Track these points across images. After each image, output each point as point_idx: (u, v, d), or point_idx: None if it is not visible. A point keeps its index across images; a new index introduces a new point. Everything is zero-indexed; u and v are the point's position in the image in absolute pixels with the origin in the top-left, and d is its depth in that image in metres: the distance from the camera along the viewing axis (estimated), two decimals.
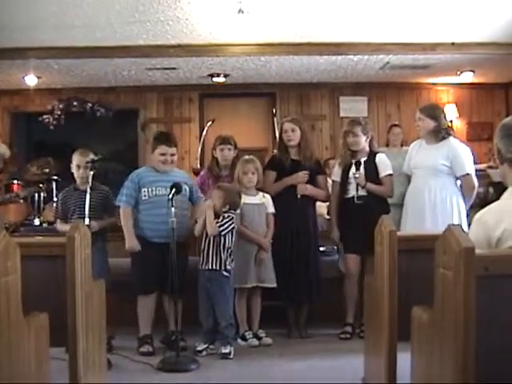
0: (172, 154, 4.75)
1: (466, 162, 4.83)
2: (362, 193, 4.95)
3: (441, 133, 4.89)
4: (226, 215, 4.58)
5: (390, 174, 5.02)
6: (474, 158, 5.03)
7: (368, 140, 5.07)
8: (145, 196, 4.69)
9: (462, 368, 2.06)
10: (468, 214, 4.84)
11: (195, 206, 4.89)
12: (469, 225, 4.62)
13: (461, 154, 4.84)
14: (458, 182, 4.89)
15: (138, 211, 4.73)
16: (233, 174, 5.02)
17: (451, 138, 4.94)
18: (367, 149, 5.08)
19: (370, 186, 4.95)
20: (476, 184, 4.85)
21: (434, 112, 4.94)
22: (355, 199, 4.95)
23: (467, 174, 4.81)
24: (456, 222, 4.64)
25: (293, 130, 5.09)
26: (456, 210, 4.80)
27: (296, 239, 4.99)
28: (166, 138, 4.89)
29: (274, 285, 4.85)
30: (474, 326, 2.06)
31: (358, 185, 4.93)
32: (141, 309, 4.68)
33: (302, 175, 5.02)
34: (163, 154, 4.74)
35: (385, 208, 4.84)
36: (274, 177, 5.09)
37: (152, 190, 4.67)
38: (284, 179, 5.05)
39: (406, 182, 5.14)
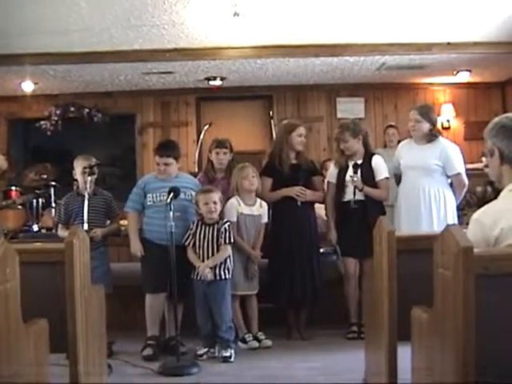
0: (165, 164, 4.77)
1: (457, 161, 4.96)
2: (359, 197, 4.95)
3: (434, 135, 5.00)
4: (226, 226, 4.57)
5: (387, 178, 5.05)
6: (465, 157, 5.15)
7: (360, 141, 5.07)
8: (149, 201, 4.75)
9: (462, 367, 2.06)
10: (458, 210, 5.08)
11: None
12: (459, 222, 4.77)
13: (452, 153, 4.96)
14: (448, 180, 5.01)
15: (145, 216, 4.81)
16: (228, 177, 5.01)
17: (441, 138, 5.07)
18: (362, 150, 5.08)
19: (368, 189, 4.95)
20: (466, 182, 4.98)
21: (432, 115, 5.04)
22: (352, 203, 4.95)
23: (458, 174, 4.94)
24: (450, 220, 4.79)
25: (305, 136, 5.12)
26: (450, 209, 4.91)
27: (298, 243, 4.98)
28: (160, 148, 4.93)
29: (256, 291, 4.86)
30: (473, 325, 2.06)
31: (355, 188, 4.94)
32: (148, 308, 4.67)
33: (299, 189, 4.99)
34: (157, 164, 4.81)
35: (381, 211, 4.87)
36: (270, 183, 5.06)
37: (156, 196, 4.72)
38: (282, 190, 5.01)
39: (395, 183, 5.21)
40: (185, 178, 4.94)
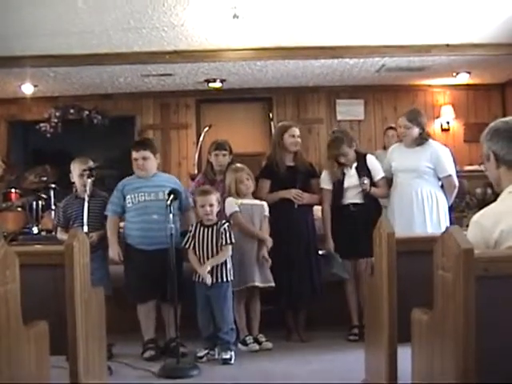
0: (143, 158, 4.70)
1: (448, 163, 5.01)
2: (357, 200, 5.00)
3: (425, 138, 5.04)
4: (226, 227, 4.54)
5: (384, 177, 5.10)
6: (459, 159, 5.17)
7: (354, 148, 5.11)
8: (129, 203, 4.68)
9: (462, 369, 2.06)
10: (451, 212, 5.15)
11: (184, 212, 4.85)
12: (451, 224, 4.78)
13: (443, 156, 5.01)
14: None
15: (125, 219, 4.75)
16: None
17: (431, 140, 5.11)
18: (355, 154, 5.11)
19: (374, 190, 5.00)
20: (457, 184, 5.04)
21: (421, 120, 5.06)
22: (351, 206, 5.00)
23: (449, 175, 4.99)
24: (443, 221, 4.89)
25: (299, 136, 5.09)
26: (442, 210, 4.96)
27: (296, 245, 4.96)
28: (135, 143, 4.92)
29: (273, 284, 4.79)
30: (474, 327, 2.06)
31: (363, 191, 4.96)
32: (141, 316, 4.66)
33: (296, 192, 4.97)
34: (135, 160, 4.74)
35: (379, 210, 4.97)
36: (268, 185, 5.04)
37: (135, 197, 4.66)
38: (279, 192, 5.00)
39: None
40: (164, 176, 4.90)
